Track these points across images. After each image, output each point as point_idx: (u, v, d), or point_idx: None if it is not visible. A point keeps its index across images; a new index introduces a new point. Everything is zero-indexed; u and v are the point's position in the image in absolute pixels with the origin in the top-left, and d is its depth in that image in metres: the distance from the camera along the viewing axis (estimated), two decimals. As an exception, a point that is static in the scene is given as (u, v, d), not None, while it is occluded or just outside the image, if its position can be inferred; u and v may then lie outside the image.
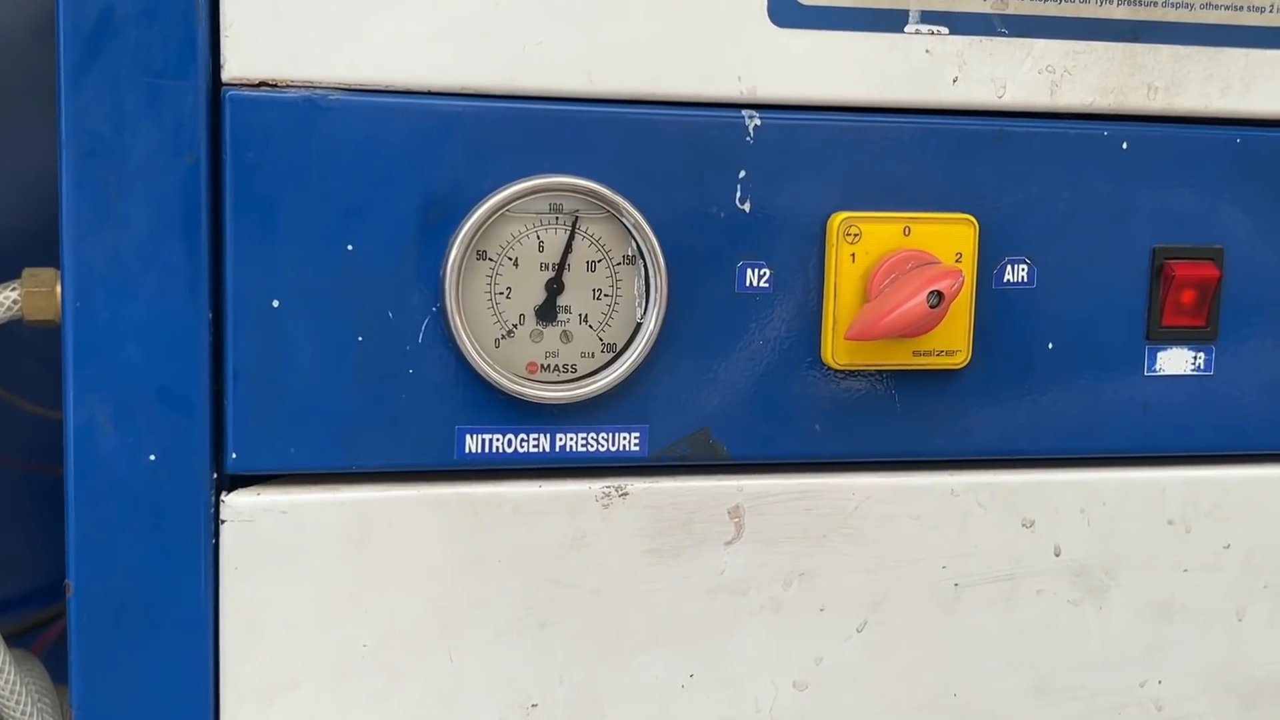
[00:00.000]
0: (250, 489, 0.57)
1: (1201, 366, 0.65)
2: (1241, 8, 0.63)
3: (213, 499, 0.56)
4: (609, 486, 0.60)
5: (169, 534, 0.56)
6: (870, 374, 0.61)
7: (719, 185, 0.59)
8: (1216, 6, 0.63)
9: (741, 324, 0.60)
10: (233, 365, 0.56)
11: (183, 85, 0.54)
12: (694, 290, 0.59)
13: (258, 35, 0.54)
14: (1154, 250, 0.64)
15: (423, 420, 0.58)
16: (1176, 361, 0.65)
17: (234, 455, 0.56)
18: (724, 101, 0.59)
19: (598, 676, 0.61)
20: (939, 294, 0.57)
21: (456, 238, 0.56)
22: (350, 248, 0.56)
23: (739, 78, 0.59)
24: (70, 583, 0.55)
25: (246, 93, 0.55)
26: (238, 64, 0.54)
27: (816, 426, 0.61)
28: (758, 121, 0.59)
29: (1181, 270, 0.64)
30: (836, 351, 0.60)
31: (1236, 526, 0.67)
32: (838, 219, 0.60)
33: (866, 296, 0.60)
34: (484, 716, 0.60)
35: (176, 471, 0.56)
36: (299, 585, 0.58)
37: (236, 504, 0.57)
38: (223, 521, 0.56)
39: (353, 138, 0.55)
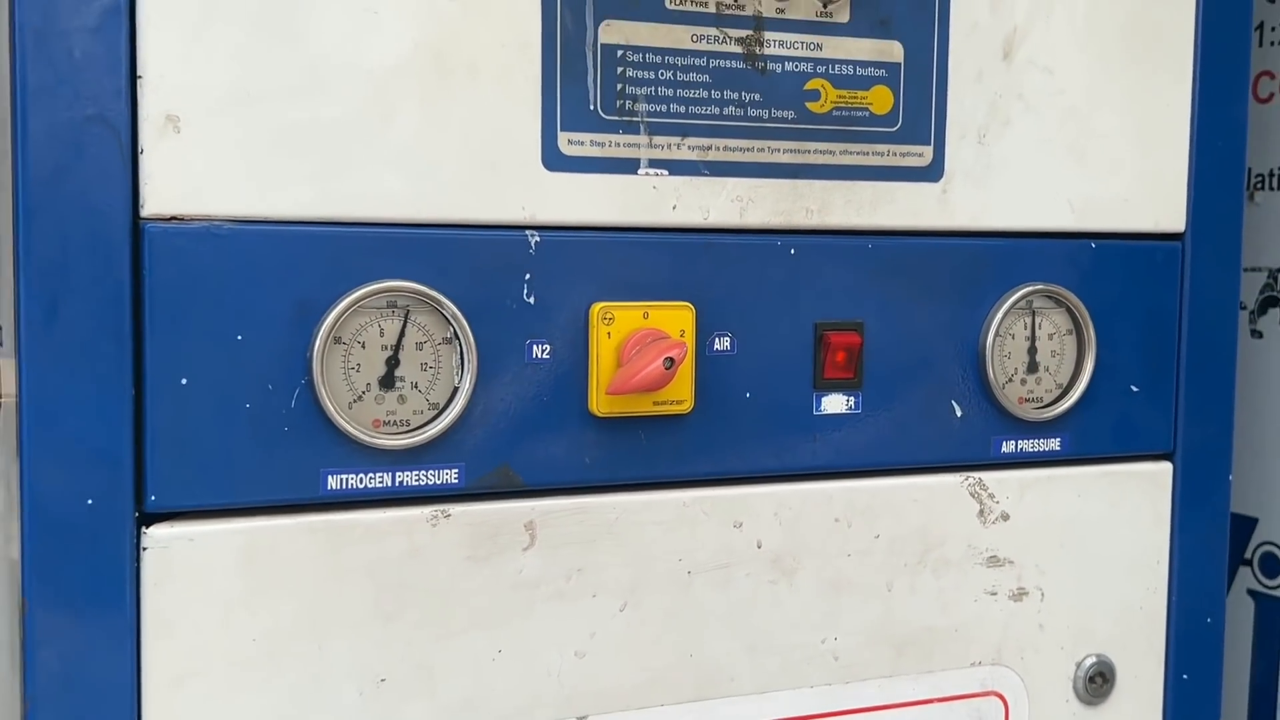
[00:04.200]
0: (165, 523, 0.74)
1: (853, 407, 0.90)
2: (868, 154, 0.89)
3: (136, 532, 0.73)
4: (436, 511, 0.80)
5: (103, 560, 0.72)
6: (624, 419, 0.84)
7: (511, 285, 0.80)
8: (851, 153, 0.88)
9: (530, 386, 0.81)
10: (151, 429, 0.73)
11: (112, 221, 0.72)
12: (495, 361, 0.80)
13: (168, 183, 0.72)
14: (816, 324, 0.88)
15: (295, 466, 0.76)
16: (835, 404, 0.90)
17: (153, 497, 0.73)
18: (513, 224, 0.80)
19: (431, 655, 0.80)
20: (671, 359, 0.80)
21: (320, 329, 0.76)
22: (240, 338, 0.74)
23: (523, 207, 0.80)
24: (25, 600, 0.71)
25: (160, 225, 0.73)
26: (153, 204, 0.72)
27: (586, 459, 0.83)
28: (537, 239, 0.81)
29: (835, 338, 0.88)
30: (599, 403, 0.82)
31: (883, 521, 0.91)
32: (597, 307, 0.82)
33: (620, 362, 0.82)
34: (345, 690, 0.78)
35: (108, 511, 0.72)
36: (203, 595, 0.75)
37: (155, 535, 0.74)
38: (144, 549, 0.73)
39: (240, 256, 0.74)
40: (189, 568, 0.74)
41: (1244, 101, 0.99)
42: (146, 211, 0.72)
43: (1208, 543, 1.02)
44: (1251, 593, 1.31)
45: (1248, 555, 1.30)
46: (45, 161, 0.70)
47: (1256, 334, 1.28)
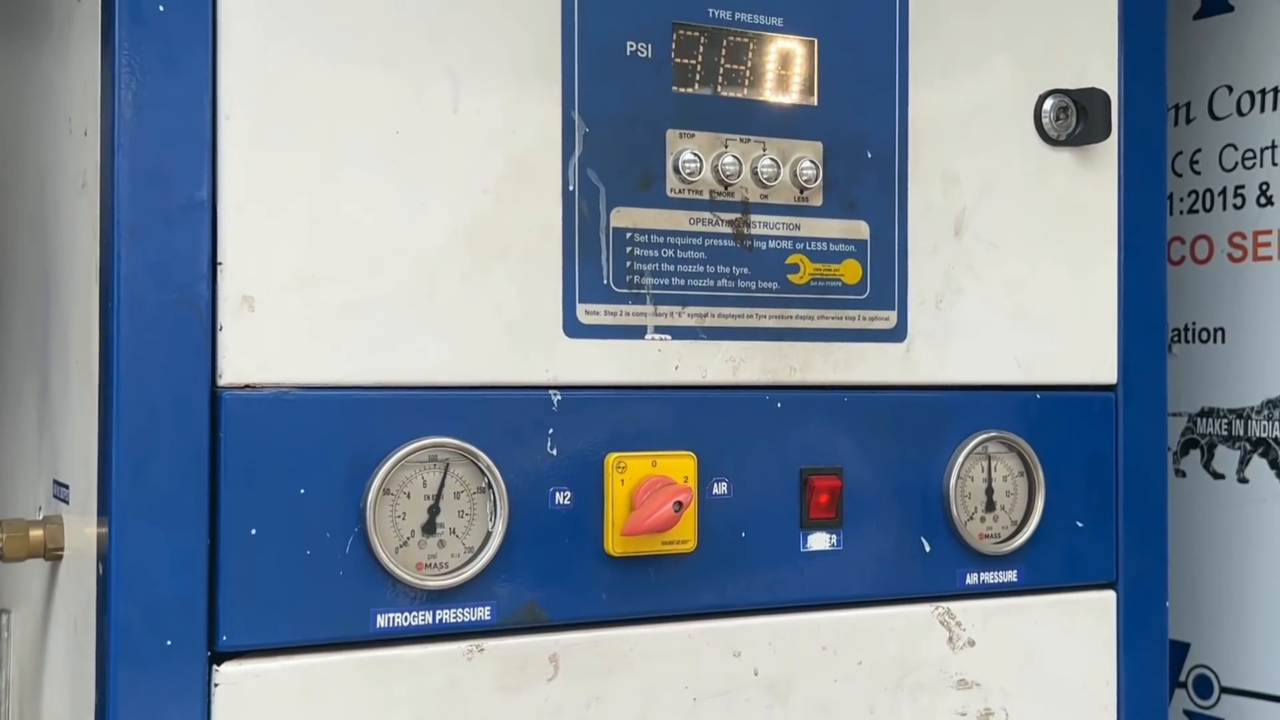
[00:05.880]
0: (235, 660, 0.81)
1: (835, 544, 1.00)
2: (841, 318, 1.01)
3: (208, 669, 0.81)
4: (471, 646, 0.88)
5: (180, 695, 0.80)
6: (636, 558, 0.93)
7: (537, 439, 0.90)
8: (827, 318, 1.00)
9: (553, 530, 0.90)
10: (224, 575, 0.81)
11: (194, 390, 0.81)
12: (524, 509, 0.89)
13: (243, 355, 0.82)
14: (801, 469, 0.98)
15: (349, 606, 0.84)
16: (820, 541, 1.00)
17: (224, 637, 0.81)
18: (538, 385, 0.90)
19: (467, 779, 0.88)
20: (680, 503, 0.90)
21: (371, 482, 0.85)
22: (303, 491, 0.83)
23: (546, 370, 0.91)
24: (110, 735, 0.78)
25: (235, 392, 0.82)
26: (230, 374, 0.81)
27: (603, 596, 0.92)
28: (559, 398, 0.91)
29: (818, 482, 0.99)
30: (614, 544, 0.92)
31: (864, 649, 1.01)
32: (611, 458, 0.92)
33: (632, 506, 0.92)
34: (392, 814, 0.86)
35: (185, 651, 0.80)
36: (267, 726, 0.82)
37: (226, 672, 0.81)
38: (216, 685, 0.81)
39: (304, 419, 0.83)
40: (255, 701, 0.82)
41: (1162, 266, 1.13)
42: (224, 381, 0.81)
43: (1150, 662, 1.12)
44: (1188, 713, 1.41)
45: (1182, 678, 1.41)
46: (136, 338, 0.79)
47: (1180, 473, 1.41)
